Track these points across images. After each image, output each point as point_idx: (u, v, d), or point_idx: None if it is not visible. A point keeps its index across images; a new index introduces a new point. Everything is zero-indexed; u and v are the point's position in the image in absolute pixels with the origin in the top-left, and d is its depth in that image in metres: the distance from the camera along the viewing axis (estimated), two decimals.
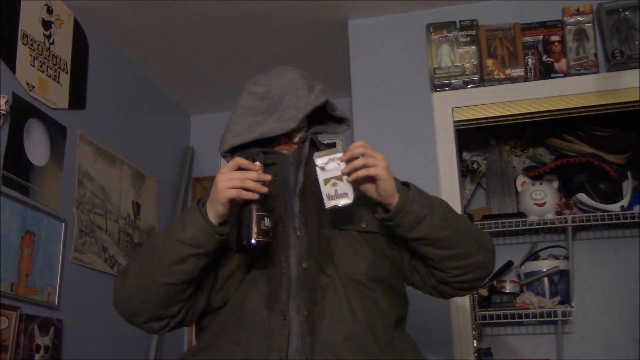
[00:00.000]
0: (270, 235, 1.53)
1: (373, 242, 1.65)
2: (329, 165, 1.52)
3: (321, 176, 1.52)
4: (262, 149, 1.74)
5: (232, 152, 1.77)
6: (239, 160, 1.53)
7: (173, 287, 1.55)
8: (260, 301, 1.57)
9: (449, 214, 1.62)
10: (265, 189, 1.51)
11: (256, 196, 1.50)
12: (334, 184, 1.51)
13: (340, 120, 1.86)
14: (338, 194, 1.51)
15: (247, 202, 1.52)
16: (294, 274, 1.58)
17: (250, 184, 1.49)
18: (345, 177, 1.51)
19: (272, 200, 1.62)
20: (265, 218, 1.52)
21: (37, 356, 2.52)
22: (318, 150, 1.71)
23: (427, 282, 1.69)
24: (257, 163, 1.55)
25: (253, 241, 1.50)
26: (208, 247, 1.52)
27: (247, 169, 1.53)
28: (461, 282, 1.65)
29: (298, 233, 1.62)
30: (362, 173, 1.50)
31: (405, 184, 1.59)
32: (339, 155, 1.52)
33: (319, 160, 1.53)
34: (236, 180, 1.49)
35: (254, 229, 1.50)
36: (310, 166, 1.62)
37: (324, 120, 1.86)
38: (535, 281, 3.27)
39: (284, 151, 1.76)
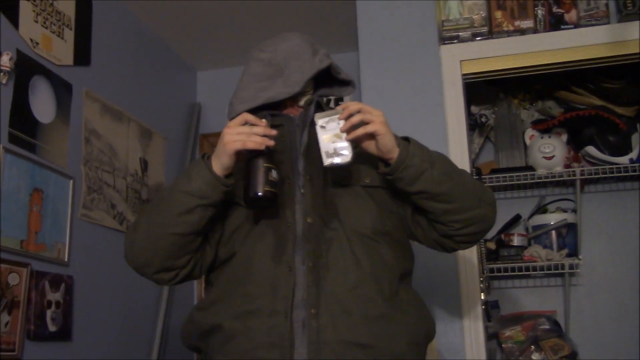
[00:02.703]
0: (277, 186, 1.55)
1: (377, 196, 1.69)
2: (329, 125, 1.55)
3: (321, 134, 1.55)
4: (269, 112, 1.77)
5: None
6: (246, 116, 1.57)
7: (181, 238, 1.59)
8: (266, 254, 1.61)
9: (449, 168, 1.65)
10: (271, 142, 1.54)
11: (262, 146, 1.52)
12: (333, 142, 1.54)
13: (346, 82, 1.88)
14: (337, 152, 1.53)
15: (254, 155, 1.54)
16: (300, 228, 1.62)
17: (257, 138, 1.52)
18: (344, 135, 1.53)
19: (279, 158, 1.65)
20: (272, 170, 1.54)
21: (48, 312, 2.55)
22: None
23: (429, 236, 1.72)
24: (264, 120, 1.57)
25: (260, 192, 1.52)
26: (214, 198, 1.56)
27: (254, 125, 1.55)
28: (462, 235, 1.69)
29: (302, 190, 1.66)
30: (360, 131, 1.53)
31: (406, 139, 1.61)
32: (338, 115, 1.55)
33: (320, 120, 1.56)
34: (243, 134, 1.52)
35: (261, 180, 1.52)
36: (314, 127, 1.64)
37: (329, 84, 1.88)
38: (543, 234, 3.28)
39: (291, 114, 1.79)
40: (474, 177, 2.94)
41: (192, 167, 1.59)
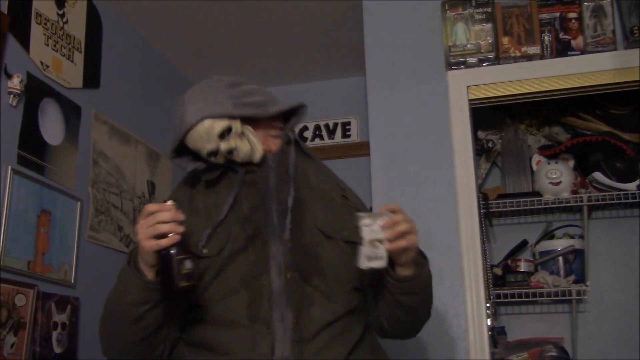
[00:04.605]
0: (194, 276, 1.51)
1: (354, 251, 1.65)
2: (372, 227, 1.54)
3: (366, 236, 1.53)
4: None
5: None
6: (148, 207, 1.51)
7: (146, 339, 1.59)
8: (242, 311, 1.58)
9: (430, 289, 1.73)
10: (181, 229, 1.49)
11: (174, 240, 1.47)
12: (375, 246, 1.54)
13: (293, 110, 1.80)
14: (376, 256, 1.54)
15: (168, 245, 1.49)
16: (276, 284, 1.58)
17: (164, 228, 1.47)
18: (383, 240, 1.53)
19: (252, 210, 1.63)
20: (185, 261, 1.49)
21: (54, 333, 2.55)
22: (301, 150, 1.77)
23: (372, 306, 1.76)
24: (169, 202, 1.51)
25: (175, 290, 1.49)
26: (156, 298, 1.54)
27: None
28: (396, 329, 1.75)
29: (278, 245, 1.61)
30: (402, 243, 1.53)
31: (422, 255, 1.66)
32: (382, 219, 1.54)
33: (364, 220, 1.55)
34: (150, 228, 1.47)
35: (175, 275, 1.48)
36: (300, 176, 1.68)
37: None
38: (550, 260, 3.26)
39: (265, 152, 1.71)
40: (481, 202, 2.94)
41: (124, 276, 1.56)
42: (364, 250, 1.53)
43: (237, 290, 1.59)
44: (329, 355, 1.57)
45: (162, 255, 1.49)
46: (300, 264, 1.61)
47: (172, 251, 1.47)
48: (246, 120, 1.69)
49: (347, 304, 1.65)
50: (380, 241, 1.53)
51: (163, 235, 1.46)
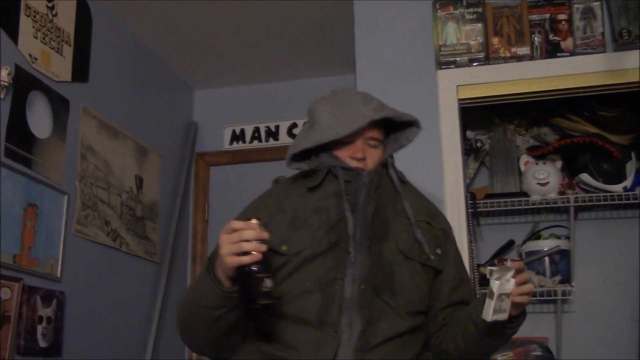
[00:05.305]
0: (272, 295, 1.54)
1: (429, 276, 1.78)
2: (501, 281, 1.59)
3: (497, 290, 1.58)
4: (341, 165, 1.79)
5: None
6: (233, 224, 1.54)
7: (223, 336, 1.67)
8: (313, 312, 1.65)
9: None
10: (264, 247, 1.51)
11: (256, 258, 1.49)
12: (502, 300, 1.59)
13: (409, 123, 1.94)
14: (501, 310, 1.60)
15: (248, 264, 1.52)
16: (349, 292, 1.65)
17: (248, 246, 1.50)
18: (509, 295, 1.59)
19: (339, 219, 1.71)
20: (266, 279, 1.52)
21: (39, 327, 2.54)
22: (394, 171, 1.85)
23: (430, 332, 1.82)
24: (254, 220, 1.54)
25: (257, 304, 1.53)
26: (233, 303, 1.60)
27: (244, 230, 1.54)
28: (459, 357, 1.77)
29: (357, 256, 1.68)
30: (521, 299, 1.60)
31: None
32: (511, 274, 1.59)
33: (496, 274, 1.60)
34: (234, 245, 1.50)
35: (255, 292, 1.52)
36: (382, 190, 1.76)
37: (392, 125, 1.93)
38: (536, 260, 3.27)
39: (360, 169, 1.79)
40: (469, 201, 2.95)
41: (203, 282, 1.62)
42: (493, 304, 1.58)
43: (311, 292, 1.66)
44: None
45: (244, 272, 1.52)
46: (375, 278, 1.68)
47: (254, 268, 1.51)
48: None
49: (412, 322, 1.71)
50: (507, 295, 1.59)
51: (246, 253, 1.50)
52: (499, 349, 1.80)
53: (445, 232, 1.89)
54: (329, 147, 1.80)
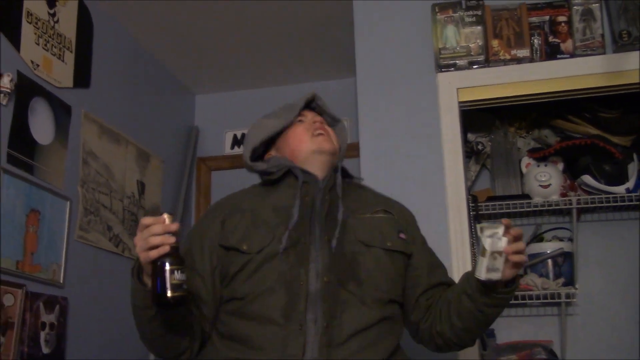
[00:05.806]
0: (184, 287, 1.54)
1: (396, 261, 1.76)
2: (493, 239, 1.56)
3: (490, 247, 1.56)
4: (299, 168, 1.84)
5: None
6: (143, 221, 1.57)
7: (164, 336, 1.68)
8: (277, 309, 1.63)
9: None
10: (172, 239, 1.53)
11: (164, 250, 1.51)
12: (495, 258, 1.56)
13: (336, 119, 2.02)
14: (494, 268, 1.56)
15: (159, 256, 1.53)
16: (313, 287, 1.64)
17: (156, 240, 1.52)
18: (503, 253, 1.56)
19: (300, 217, 1.72)
20: (176, 271, 1.52)
21: (42, 333, 2.54)
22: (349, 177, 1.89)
23: (419, 319, 1.80)
24: (165, 215, 1.56)
25: (164, 300, 1.52)
26: None
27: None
28: (455, 339, 1.76)
29: (318, 251, 1.69)
30: (518, 258, 1.59)
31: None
32: (502, 231, 1.57)
33: (487, 231, 1.57)
34: (142, 241, 1.53)
35: (167, 285, 1.51)
36: (334, 191, 1.78)
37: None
38: (539, 263, 3.27)
39: (317, 175, 1.83)
40: (471, 204, 2.95)
41: (131, 284, 1.63)
42: (485, 261, 1.55)
43: (275, 289, 1.65)
44: None
45: (155, 262, 1.53)
46: (338, 269, 1.68)
47: (163, 262, 1.51)
48: None
49: (382, 312, 1.70)
50: (500, 253, 1.55)
51: (157, 247, 1.52)
52: (495, 319, 1.74)
53: (407, 220, 1.90)
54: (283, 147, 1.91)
